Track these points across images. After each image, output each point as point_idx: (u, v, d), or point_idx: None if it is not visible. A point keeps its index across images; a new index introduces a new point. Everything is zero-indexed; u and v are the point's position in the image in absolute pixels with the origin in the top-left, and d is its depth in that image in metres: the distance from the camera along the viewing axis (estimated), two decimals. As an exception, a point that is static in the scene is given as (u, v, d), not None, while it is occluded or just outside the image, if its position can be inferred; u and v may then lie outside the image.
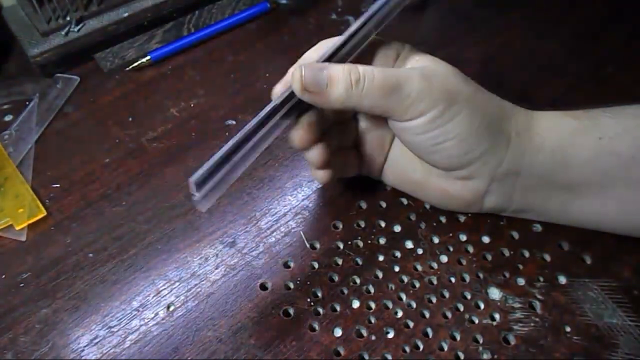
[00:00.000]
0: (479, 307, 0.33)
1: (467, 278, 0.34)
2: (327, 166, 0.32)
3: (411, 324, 0.32)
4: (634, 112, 0.31)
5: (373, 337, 0.31)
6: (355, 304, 0.33)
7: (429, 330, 0.32)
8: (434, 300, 0.33)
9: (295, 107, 0.30)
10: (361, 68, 0.28)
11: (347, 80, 0.28)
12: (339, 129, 0.34)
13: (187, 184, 0.26)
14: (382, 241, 0.36)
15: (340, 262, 0.34)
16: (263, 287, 0.33)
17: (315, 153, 0.31)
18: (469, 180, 0.32)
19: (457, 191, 0.33)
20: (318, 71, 0.28)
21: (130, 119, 0.43)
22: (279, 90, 0.31)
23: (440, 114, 0.29)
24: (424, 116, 0.29)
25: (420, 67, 0.30)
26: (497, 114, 0.31)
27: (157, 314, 0.32)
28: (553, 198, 0.33)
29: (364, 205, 0.37)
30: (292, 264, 0.34)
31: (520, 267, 0.34)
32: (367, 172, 0.36)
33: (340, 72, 0.28)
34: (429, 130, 0.29)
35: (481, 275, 0.34)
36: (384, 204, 0.37)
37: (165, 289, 0.33)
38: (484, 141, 0.30)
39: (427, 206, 0.37)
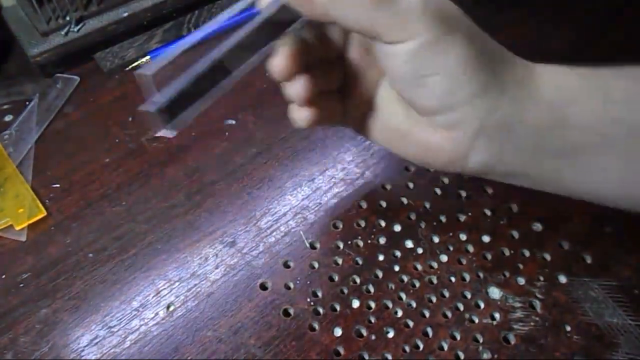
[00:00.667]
0: (479, 307, 0.33)
1: (467, 277, 0.34)
2: (311, 105, 0.29)
3: (411, 324, 0.32)
4: None
5: (373, 337, 0.31)
6: (355, 304, 0.33)
7: (429, 330, 0.32)
8: (434, 299, 0.33)
9: (277, 28, 0.27)
10: None
11: None
12: (326, 69, 0.30)
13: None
14: (382, 241, 0.35)
15: (340, 261, 0.34)
16: (263, 287, 0.33)
17: (298, 86, 0.28)
18: (454, 130, 0.28)
19: (438, 143, 0.29)
20: None
21: (130, 119, 0.43)
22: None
23: (434, 41, 0.25)
24: (415, 39, 0.25)
25: None
26: (496, 55, 0.28)
27: (157, 314, 0.32)
28: (547, 162, 0.29)
29: (364, 204, 0.37)
30: (292, 264, 0.34)
31: (521, 266, 0.34)
32: (350, 121, 0.33)
33: None
34: (418, 58, 0.26)
35: (481, 275, 0.34)
36: (384, 204, 0.37)
37: (165, 289, 0.33)
38: (475, 82, 0.26)
39: (427, 205, 0.37)
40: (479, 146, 0.28)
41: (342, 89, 0.32)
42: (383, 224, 0.36)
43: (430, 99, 0.27)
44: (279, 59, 0.28)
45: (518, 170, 0.30)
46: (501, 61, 0.28)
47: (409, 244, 0.35)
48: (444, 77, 0.26)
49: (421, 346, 0.31)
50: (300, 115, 0.30)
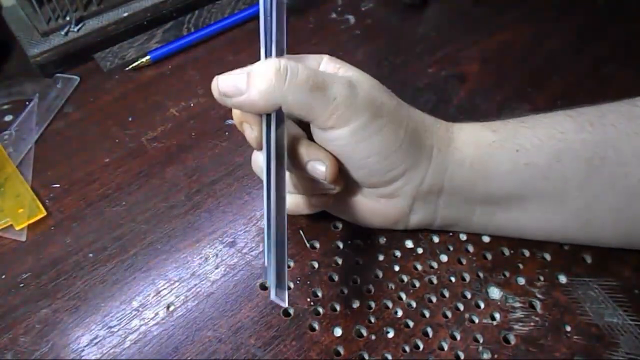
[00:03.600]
0: (479, 307, 0.33)
1: (467, 277, 0.34)
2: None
3: (411, 324, 0.32)
4: (549, 122, 0.31)
5: (373, 337, 0.31)
6: (355, 304, 0.33)
7: (429, 330, 0.32)
8: (434, 299, 0.33)
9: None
10: (284, 60, 0.27)
11: (268, 71, 0.26)
12: None
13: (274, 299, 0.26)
14: (382, 240, 0.35)
15: (340, 261, 0.34)
16: (263, 287, 0.33)
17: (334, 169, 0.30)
18: (393, 199, 0.32)
19: (382, 209, 0.33)
20: (235, 75, 0.27)
21: (130, 119, 0.43)
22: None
23: (364, 125, 0.28)
24: (349, 126, 0.28)
25: (346, 75, 0.29)
26: (419, 128, 0.30)
27: (157, 314, 0.32)
28: (477, 211, 0.33)
29: (364, 204, 0.37)
30: (292, 264, 0.34)
31: (521, 266, 0.34)
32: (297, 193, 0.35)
33: (261, 66, 0.27)
34: (355, 142, 0.28)
35: (481, 275, 0.34)
36: (384, 204, 0.37)
37: (165, 289, 0.33)
38: (408, 157, 0.30)
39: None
40: (417, 208, 0.33)
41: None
42: (383, 224, 0.36)
43: (370, 178, 0.31)
44: (334, 169, 0.29)
45: (454, 221, 0.34)
46: (426, 130, 0.31)
47: (409, 243, 0.35)
48: (379, 157, 0.29)
49: (421, 346, 0.31)
50: (334, 191, 0.31)
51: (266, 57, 0.28)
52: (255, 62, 0.28)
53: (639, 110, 0.31)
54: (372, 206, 0.33)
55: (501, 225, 0.34)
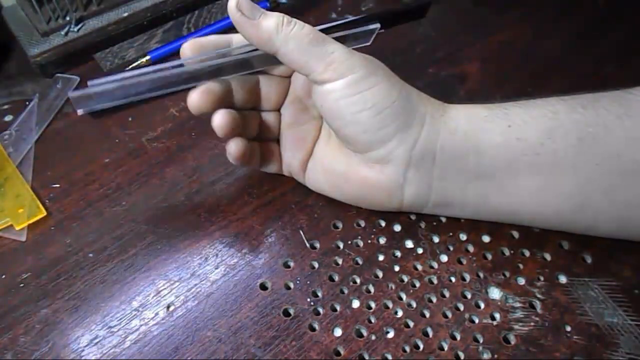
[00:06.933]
0: (479, 307, 0.33)
1: (467, 277, 0.34)
2: (237, 134, 0.32)
3: (411, 324, 0.32)
4: (541, 103, 0.32)
5: (373, 337, 0.31)
6: (355, 304, 0.33)
7: (429, 330, 0.32)
8: (434, 299, 0.33)
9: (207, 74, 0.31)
10: (295, 19, 0.30)
11: (280, 18, 0.29)
12: (263, 120, 0.34)
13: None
14: (382, 241, 0.35)
15: (340, 261, 0.34)
16: (263, 287, 0.33)
17: (218, 116, 0.31)
18: (387, 165, 0.32)
19: (375, 177, 0.33)
20: (255, 5, 0.30)
21: (130, 119, 0.43)
22: (186, 47, 0.31)
23: (359, 80, 0.30)
24: (344, 79, 0.30)
25: None
26: (413, 97, 0.32)
27: (157, 314, 0.32)
28: (471, 186, 0.33)
29: (364, 204, 0.37)
30: (292, 264, 0.34)
31: (521, 266, 0.34)
32: (288, 169, 0.37)
33: (276, 12, 0.30)
34: (348, 95, 0.30)
35: (481, 275, 0.34)
36: (384, 204, 0.37)
37: (165, 289, 0.33)
38: (399, 117, 0.31)
39: (427, 206, 0.37)
40: (411, 178, 0.33)
41: (281, 143, 0.36)
42: (383, 224, 0.36)
43: (363, 134, 0.31)
44: (191, 95, 0.31)
45: (448, 197, 0.34)
46: (419, 99, 0.32)
47: (409, 243, 0.35)
48: (371, 113, 0.30)
49: (421, 346, 0.31)
50: (228, 147, 0.33)
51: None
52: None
53: (632, 96, 0.32)
54: (365, 175, 0.33)
55: (496, 207, 0.33)
